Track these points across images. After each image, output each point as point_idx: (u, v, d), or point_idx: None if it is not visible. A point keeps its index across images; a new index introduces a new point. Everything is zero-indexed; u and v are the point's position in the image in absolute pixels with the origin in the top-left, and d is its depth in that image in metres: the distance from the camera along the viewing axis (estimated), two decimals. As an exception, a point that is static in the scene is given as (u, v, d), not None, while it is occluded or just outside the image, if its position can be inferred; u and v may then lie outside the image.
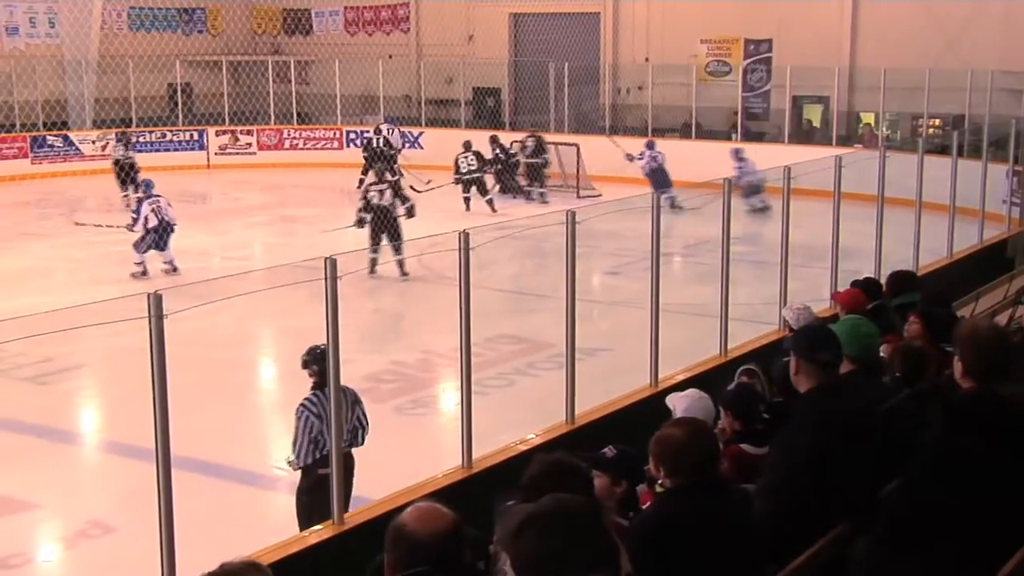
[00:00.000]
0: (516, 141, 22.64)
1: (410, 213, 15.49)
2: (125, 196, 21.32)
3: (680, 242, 15.64)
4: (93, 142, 25.90)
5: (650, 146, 21.77)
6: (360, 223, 15.13)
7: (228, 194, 23.80)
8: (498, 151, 22.06)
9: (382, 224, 15.02)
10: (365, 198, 15.45)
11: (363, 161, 22.09)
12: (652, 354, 8.01)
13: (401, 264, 14.58)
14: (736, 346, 8.87)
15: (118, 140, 23.07)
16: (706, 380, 7.31)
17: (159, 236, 15.38)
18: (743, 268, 11.25)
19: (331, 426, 6.05)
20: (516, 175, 22.18)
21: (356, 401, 7.04)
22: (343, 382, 6.06)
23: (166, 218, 15.51)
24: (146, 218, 15.41)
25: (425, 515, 2.98)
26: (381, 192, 15.33)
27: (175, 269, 15.34)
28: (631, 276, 14.10)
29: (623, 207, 8.04)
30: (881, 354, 5.68)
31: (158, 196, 15.81)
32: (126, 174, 22.06)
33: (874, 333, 5.28)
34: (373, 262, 14.51)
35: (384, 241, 14.99)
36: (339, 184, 24.71)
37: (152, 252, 15.37)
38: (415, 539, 2.91)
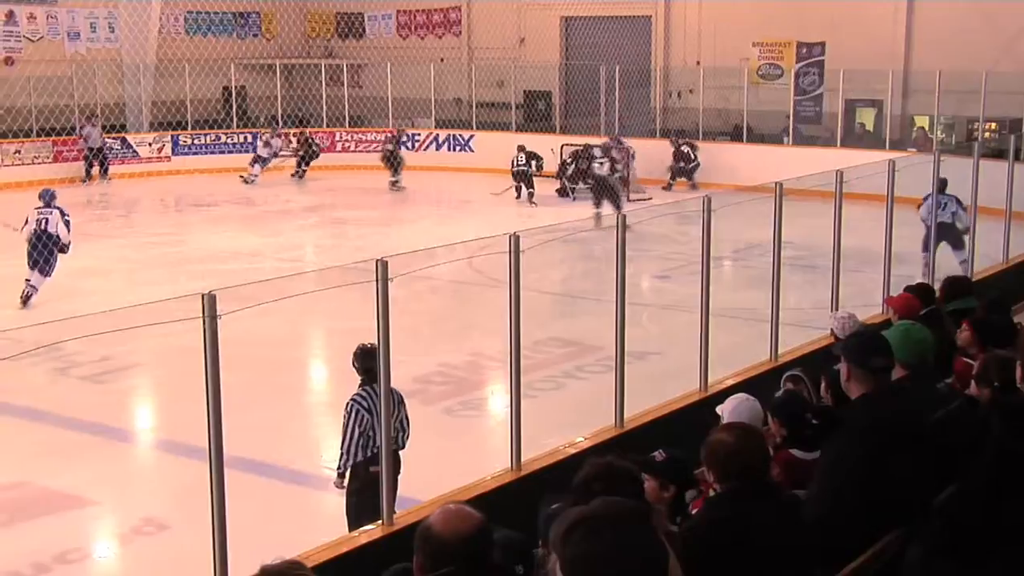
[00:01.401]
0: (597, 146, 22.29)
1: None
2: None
3: (730, 246, 15.56)
4: (150, 144, 26.26)
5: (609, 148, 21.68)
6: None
7: (280, 196, 24.02)
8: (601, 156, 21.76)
9: (602, 191, 19.16)
10: (587, 168, 19.96)
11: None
12: (702, 358, 7.97)
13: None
14: (786, 351, 8.80)
15: (91, 124, 23.76)
16: (756, 385, 7.25)
17: (35, 252, 13.57)
18: (794, 272, 11.17)
19: (381, 423, 6.07)
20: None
21: (401, 401, 7.08)
22: (392, 384, 6.08)
23: (52, 231, 13.68)
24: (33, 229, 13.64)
25: (451, 517, 3.00)
26: (601, 164, 19.92)
27: (26, 300, 13.34)
28: (681, 280, 14.04)
29: (673, 211, 8.00)
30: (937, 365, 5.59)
31: (50, 208, 13.90)
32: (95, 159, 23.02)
33: (927, 339, 5.22)
34: (597, 216, 17.86)
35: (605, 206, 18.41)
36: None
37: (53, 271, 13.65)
38: (440, 540, 2.94)
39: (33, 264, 13.62)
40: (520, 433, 6.54)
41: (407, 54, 29.20)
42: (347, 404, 6.97)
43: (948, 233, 13.54)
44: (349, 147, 27.77)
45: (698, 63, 25.86)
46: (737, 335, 9.58)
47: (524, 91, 27.77)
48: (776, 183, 8.58)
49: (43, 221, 13.81)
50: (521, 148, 22.44)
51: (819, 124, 24.70)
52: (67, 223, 13.93)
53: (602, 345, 10.63)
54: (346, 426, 6.93)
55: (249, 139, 27.00)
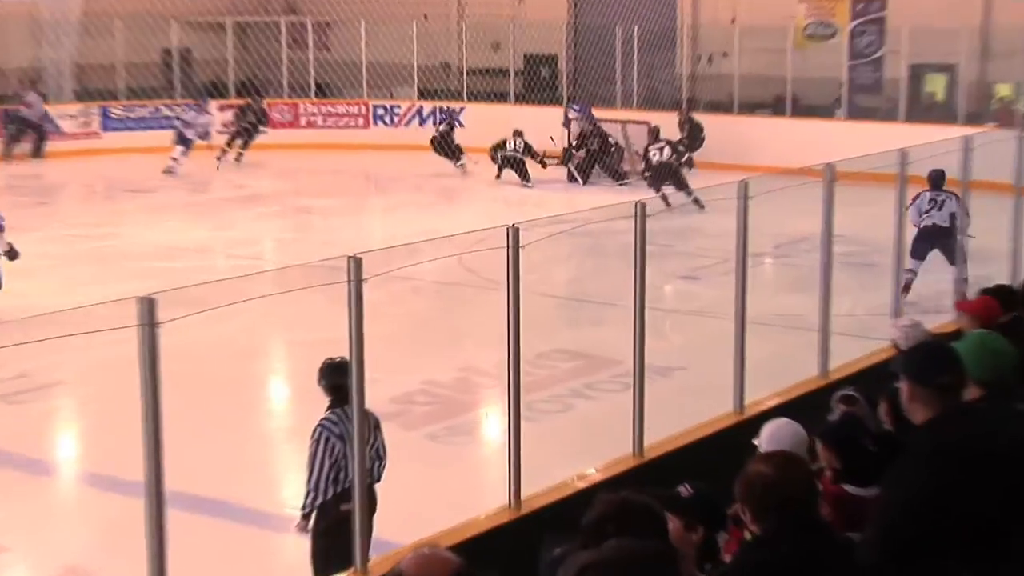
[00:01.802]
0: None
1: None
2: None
3: (771, 240, 15.59)
4: (74, 117, 26.28)
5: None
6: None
7: (233, 180, 24.02)
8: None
9: (665, 175, 20.05)
10: (647, 158, 20.62)
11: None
12: (737, 374, 7.98)
13: (696, 201, 17.82)
14: (839, 366, 8.82)
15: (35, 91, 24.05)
16: (802, 406, 7.28)
17: None
18: (848, 272, 11.18)
19: (354, 452, 6.09)
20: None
21: (377, 426, 7.10)
22: (366, 405, 6.10)
23: None
24: None
25: (424, 563, 3.03)
26: (660, 150, 20.51)
27: None
28: (712, 281, 14.07)
29: (702, 198, 8.01)
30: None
31: None
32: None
33: (1007, 351, 5.23)
34: (664, 198, 18.75)
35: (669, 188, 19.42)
36: (365, 168, 24.86)
37: None
38: None
39: None
40: (520, 464, 6.55)
41: (384, 10, 29.23)
42: (314, 430, 6.98)
43: (942, 239, 12.90)
44: (315, 122, 27.85)
45: (733, 21, 25.92)
46: (779, 346, 9.59)
47: (524, 55, 27.83)
48: (826, 165, 8.60)
49: None
50: (518, 134, 22.69)
51: (879, 94, 24.77)
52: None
53: (617, 358, 10.64)
54: (313, 456, 6.94)
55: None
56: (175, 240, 16.86)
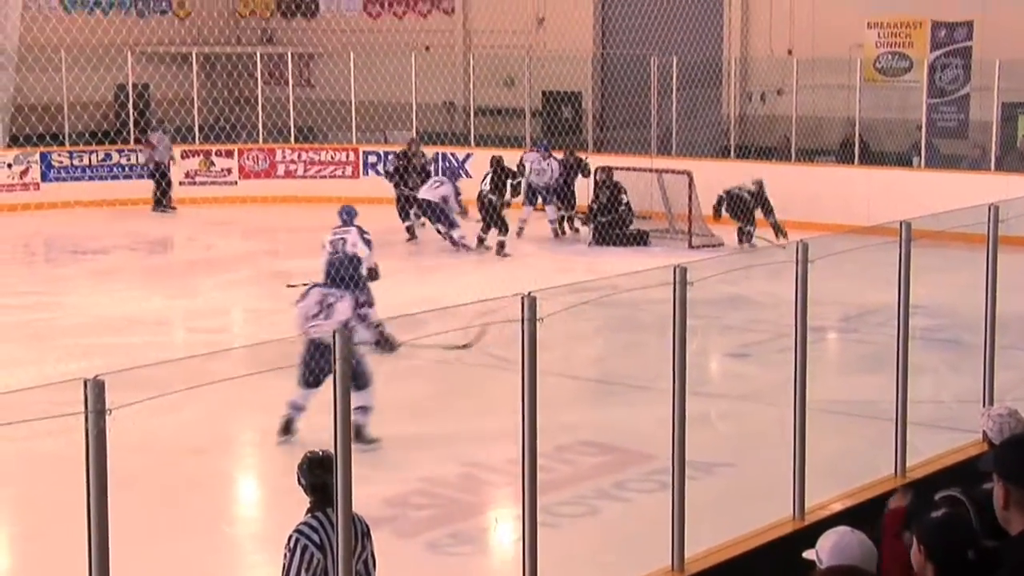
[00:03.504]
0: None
1: None
2: None
3: (836, 312, 15.58)
4: (10, 165, 26.43)
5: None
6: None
7: (198, 240, 24.10)
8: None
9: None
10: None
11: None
12: (796, 472, 7.95)
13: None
14: (919, 462, 8.78)
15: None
16: (874, 511, 7.22)
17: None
18: (929, 350, 11.17)
19: (339, 565, 6.06)
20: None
21: (366, 534, 7.07)
22: (353, 508, 6.08)
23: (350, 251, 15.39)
24: None
25: None
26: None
27: None
28: (765, 360, 14.02)
29: (754, 262, 8.02)
30: None
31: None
32: None
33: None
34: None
35: None
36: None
37: None
38: None
39: None
40: (537, 579, 6.53)
41: (378, 40, 29.55)
42: (290, 537, 6.94)
43: None
44: (295, 171, 27.98)
45: (790, 52, 26.07)
46: (846, 439, 9.53)
47: (543, 92, 28.01)
48: (902, 222, 8.60)
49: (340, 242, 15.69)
50: (496, 163, 22.61)
51: (964, 138, 24.81)
52: (368, 242, 15.82)
53: (652, 452, 10.60)
54: (287, 569, 6.91)
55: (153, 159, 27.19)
56: (127, 311, 16.87)
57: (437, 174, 23.63)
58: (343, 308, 12.07)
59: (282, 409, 11.55)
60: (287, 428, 11.80)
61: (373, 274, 15.35)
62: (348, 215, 16.39)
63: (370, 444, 11.49)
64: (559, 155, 23.60)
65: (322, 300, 12.11)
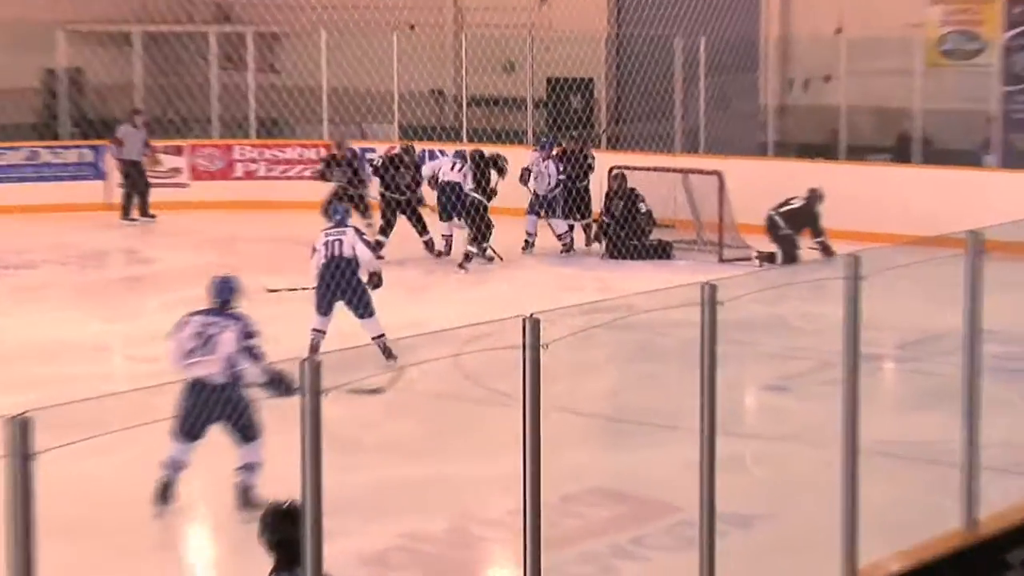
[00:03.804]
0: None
1: None
2: None
3: (892, 337, 15.58)
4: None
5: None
6: None
7: (139, 252, 24.08)
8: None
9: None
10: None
11: None
12: (846, 525, 7.93)
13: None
14: (992, 514, 8.75)
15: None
16: (940, 571, 7.21)
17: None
18: (1004, 381, 11.14)
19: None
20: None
21: (343, 599, 7.05)
22: (324, 568, 6.06)
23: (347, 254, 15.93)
24: None
25: None
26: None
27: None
28: (807, 393, 14.03)
29: (796, 279, 8.00)
30: None
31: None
32: None
33: None
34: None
35: None
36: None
37: None
38: None
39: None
40: (541, 653, 6.50)
41: (354, 17, 29.49)
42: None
43: None
44: (256, 171, 27.97)
45: (838, 31, 26.05)
46: (905, 487, 9.50)
47: (548, 80, 27.99)
48: (970, 232, 8.58)
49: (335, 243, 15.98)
50: (475, 158, 22.52)
51: (1046, 133, 24.79)
52: (368, 244, 16.41)
53: (676, 503, 10.59)
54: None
55: (88, 157, 27.15)
56: (58, 335, 16.82)
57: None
58: (226, 340, 11.60)
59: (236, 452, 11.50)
60: (164, 494, 11.32)
61: (376, 280, 16.00)
62: (340, 215, 16.76)
63: (256, 508, 10.98)
64: (574, 147, 23.51)
65: (202, 331, 11.68)
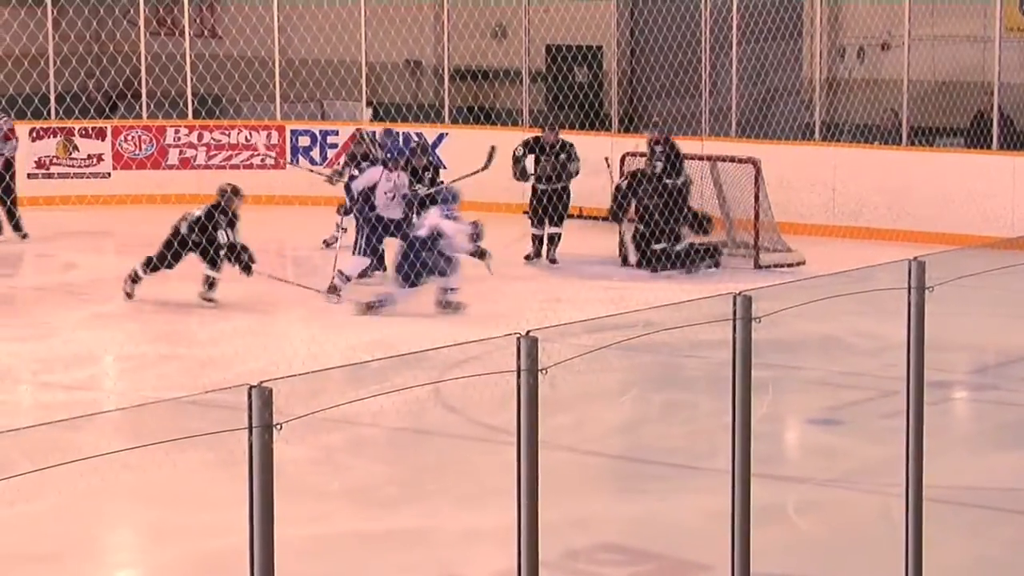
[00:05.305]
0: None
1: None
2: None
3: (965, 359, 15.62)
4: None
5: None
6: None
7: (53, 256, 24.11)
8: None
9: None
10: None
11: None
12: (910, 589, 7.95)
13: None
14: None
15: None
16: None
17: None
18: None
19: None
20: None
21: None
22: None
23: None
24: None
25: None
26: None
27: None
28: (862, 427, 14.05)
29: (849, 289, 8.04)
30: None
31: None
32: None
33: None
34: None
35: None
36: (277, 236, 24.88)
37: None
38: None
39: None
40: None
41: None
42: None
43: None
44: (193, 158, 27.98)
45: (898, -9, 26.16)
46: (980, 541, 9.50)
47: (547, 47, 28.07)
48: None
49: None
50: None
51: None
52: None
53: (703, 560, 10.60)
54: None
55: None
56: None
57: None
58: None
59: (175, 498, 11.51)
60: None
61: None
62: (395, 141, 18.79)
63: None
64: (551, 139, 22.96)
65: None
